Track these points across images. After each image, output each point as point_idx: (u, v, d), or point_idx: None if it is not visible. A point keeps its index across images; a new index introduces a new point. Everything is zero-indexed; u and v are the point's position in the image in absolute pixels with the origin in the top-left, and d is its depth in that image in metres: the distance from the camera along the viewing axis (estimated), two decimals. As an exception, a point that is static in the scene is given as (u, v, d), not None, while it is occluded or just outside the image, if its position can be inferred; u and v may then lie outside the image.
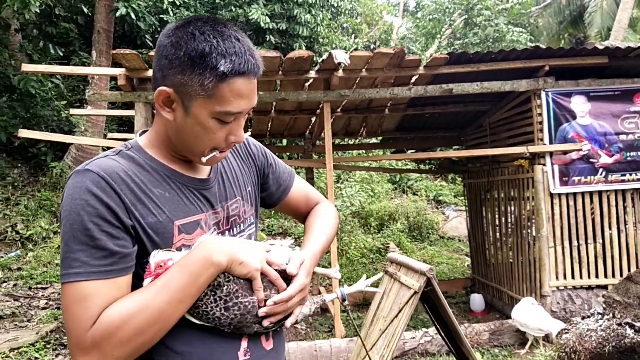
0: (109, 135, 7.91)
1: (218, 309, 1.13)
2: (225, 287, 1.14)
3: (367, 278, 1.52)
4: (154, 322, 1.06)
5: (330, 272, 1.48)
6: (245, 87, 1.16)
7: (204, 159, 1.23)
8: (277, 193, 1.55)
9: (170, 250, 1.14)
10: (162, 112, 1.19)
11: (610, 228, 5.67)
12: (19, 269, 8.15)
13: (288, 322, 1.26)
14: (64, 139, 5.77)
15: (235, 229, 1.35)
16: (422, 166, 12.59)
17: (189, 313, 1.14)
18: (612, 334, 3.77)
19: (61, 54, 10.47)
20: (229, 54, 1.12)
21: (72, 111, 6.98)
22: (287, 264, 1.24)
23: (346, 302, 1.47)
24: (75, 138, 7.18)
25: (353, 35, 19.52)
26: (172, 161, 1.26)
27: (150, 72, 4.95)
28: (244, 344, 1.24)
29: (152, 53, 4.61)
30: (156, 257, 1.11)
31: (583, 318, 4.05)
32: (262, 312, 1.19)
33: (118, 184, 1.10)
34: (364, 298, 7.31)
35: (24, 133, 5.24)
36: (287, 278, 1.24)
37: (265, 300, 1.19)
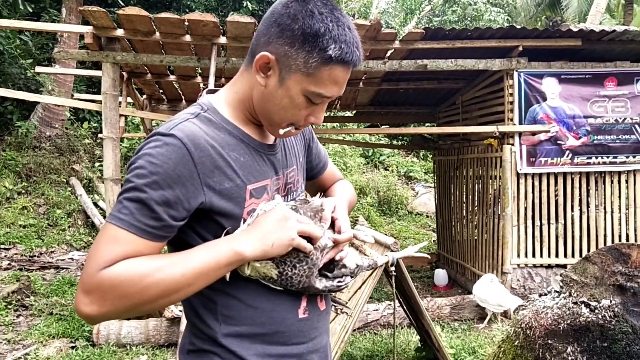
0: (76, 95, 7.69)
1: (290, 269, 1.18)
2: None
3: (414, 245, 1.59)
4: (161, 288, 1.06)
5: (358, 234, 1.56)
6: (342, 75, 1.18)
7: (281, 131, 1.25)
8: (317, 167, 1.61)
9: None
10: (257, 76, 1.20)
11: (572, 209, 5.79)
12: (-20, 229, 7.99)
13: (337, 257, 1.30)
14: (28, 97, 5.59)
15: (289, 196, 1.39)
16: (394, 142, 12.64)
17: (265, 279, 1.20)
18: (567, 312, 3.85)
19: (31, 10, 10.09)
20: (340, 40, 1.14)
21: (38, 69, 6.73)
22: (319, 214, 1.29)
23: (393, 268, 1.55)
24: (40, 97, 6.96)
25: (332, 6, 19.25)
26: (245, 124, 1.28)
27: (118, 32, 4.81)
28: (304, 303, 1.30)
29: (121, 12, 4.47)
30: None
31: (540, 295, 4.14)
32: (326, 258, 1.26)
33: (199, 152, 1.12)
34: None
35: (-15, 89, 5.06)
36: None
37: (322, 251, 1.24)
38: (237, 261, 1.13)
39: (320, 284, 1.26)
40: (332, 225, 1.29)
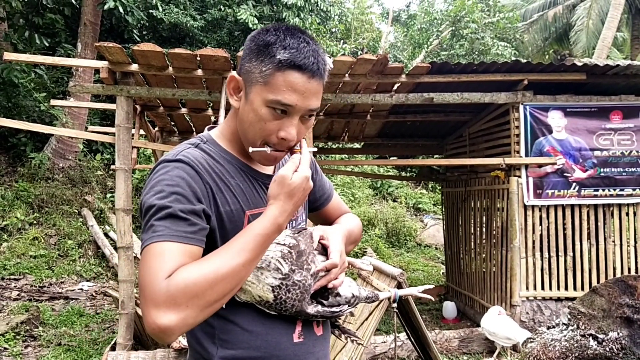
0: (90, 128, 7.84)
1: (284, 292, 1.23)
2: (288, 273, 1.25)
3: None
4: (229, 281, 1.10)
5: (356, 262, 1.57)
6: (299, 82, 1.21)
7: (251, 149, 1.27)
8: (320, 199, 1.64)
9: None
10: (231, 100, 1.30)
11: (581, 242, 5.77)
12: (-8, 259, 8.06)
13: (330, 285, 1.33)
14: (42, 130, 5.72)
15: (289, 224, 1.43)
16: (403, 173, 12.69)
17: (260, 304, 1.25)
18: (575, 345, 3.84)
19: (47, 44, 10.36)
20: (291, 47, 1.20)
21: (53, 102, 6.90)
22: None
23: (395, 305, 1.57)
24: (54, 129, 7.12)
25: (342, 41, 19.59)
26: (242, 154, 1.35)
27: (133, 67, 4.94)
28: (299, 327, 1.33)
29: (136, 47, 4.60)
30: None
31: (548, 328, 4.12)
32: (317, 285, 1.29)
33: (205, 172, 1.21)
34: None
35: (1, 121, 5.20)
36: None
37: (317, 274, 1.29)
38: (279, 231, 1.20)
39: (313, 309, 1.29)
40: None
